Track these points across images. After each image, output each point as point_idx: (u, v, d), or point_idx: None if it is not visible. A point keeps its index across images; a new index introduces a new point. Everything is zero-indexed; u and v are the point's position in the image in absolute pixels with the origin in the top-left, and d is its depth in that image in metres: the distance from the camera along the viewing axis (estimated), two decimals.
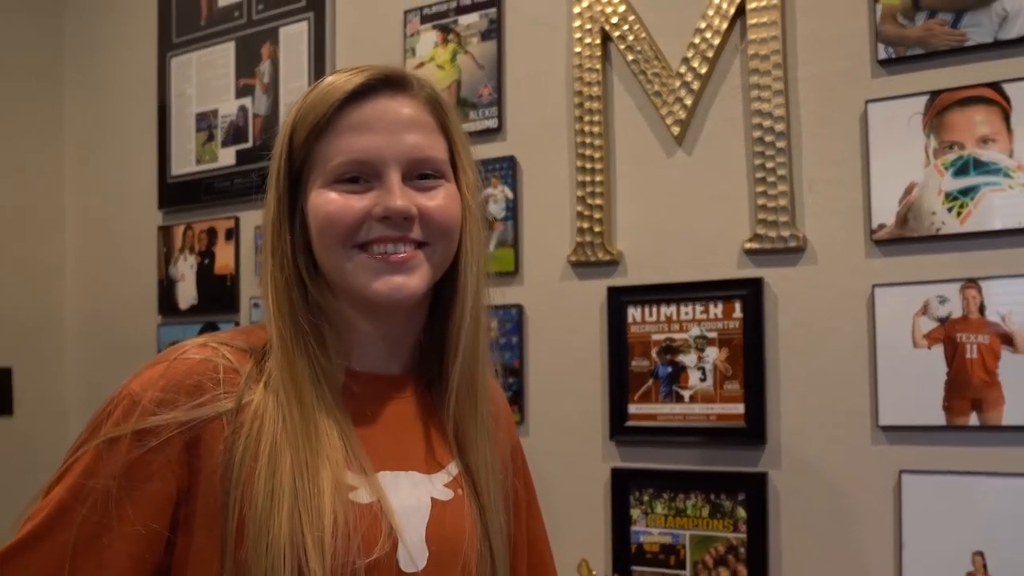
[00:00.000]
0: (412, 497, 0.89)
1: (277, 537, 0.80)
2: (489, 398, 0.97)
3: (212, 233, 2.39)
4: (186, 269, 2.43)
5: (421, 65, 2.02)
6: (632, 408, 1.73)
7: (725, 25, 1.67)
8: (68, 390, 2.72)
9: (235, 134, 2.36)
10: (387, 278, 0.87)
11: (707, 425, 1.65)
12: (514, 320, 1.88)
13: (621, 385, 1.74)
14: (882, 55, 1.53)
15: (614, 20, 1.78)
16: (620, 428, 1.74)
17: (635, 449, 1.74)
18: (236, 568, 0.81)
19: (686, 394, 1.68)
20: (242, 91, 2.35)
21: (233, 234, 2.34)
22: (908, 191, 1.50)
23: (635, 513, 1.72)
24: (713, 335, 1.66)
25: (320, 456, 0.84)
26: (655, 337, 1.72)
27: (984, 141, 1.46)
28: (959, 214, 1.47)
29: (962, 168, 1.47)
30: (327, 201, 0.87)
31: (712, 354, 1.66)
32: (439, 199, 0.89)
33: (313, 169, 0.89)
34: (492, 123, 1.93)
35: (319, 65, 2.20)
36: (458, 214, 0.91)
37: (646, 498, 1.71)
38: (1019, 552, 1.40)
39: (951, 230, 1.47)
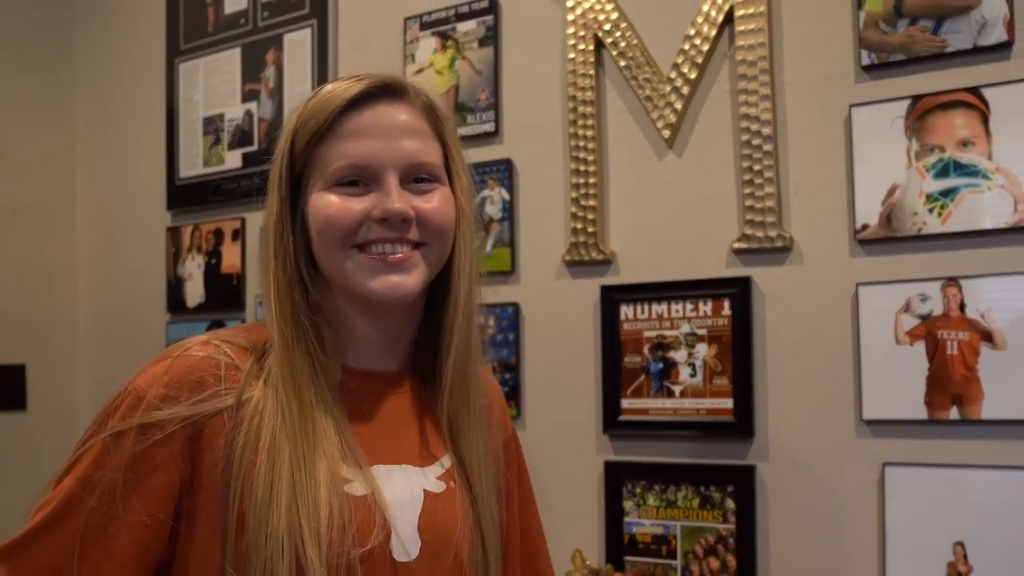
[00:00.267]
0: (405, 489, 0.91)
1: (276, 528, 0.81)
2: (481, 393, 0.99)
3: (219, 233, 2.41)
4: (194, 268, 2.45)
5: (420, 71, 2.03)
6: (625, 403, 1.75)
7: (714, 32, 1.69)
8: (79, 386, 2.74)
9: (241, 137, 2.38)
10: (385, 277, 0.88)
11: (697, 419, 1.68)
12: (510, 318, 1.90)
13: (614, 381, 1.76)
14: (865, 61, 1.55)
15: (607, 27, 1.80)
16: (613, 422, 1.76)
17: (628, 443, 1.76)
18: (237, 558, 0.83)
19: (677, 389, 1.71)
20: (248, 96, 2.37)
21: (239, 234, 2.37)
22: (891, 192, 1.52)
23: (628, 505, 1.74)
24: (703, 332, 1.69)
25: (317, 450, 0.85)
26: (647, 334, 1.74)
27: (964, 144, 1.47)
28: (940, 215, 1.49)
29: (943, 170, 1.49)
30: (327, 203, 0.88)
31: (702, 350, 1.69)
32: (435, 202, 0.91)
33: (313, 173, 0.90)
34: (489, 127, 1.94)
35: (322, 70, 2.22)
36: (452, 216, 0.92)
37: (638, 490, 1.74)
38: (997, 541, 1.42)
39: (932, 230, 1.49)
